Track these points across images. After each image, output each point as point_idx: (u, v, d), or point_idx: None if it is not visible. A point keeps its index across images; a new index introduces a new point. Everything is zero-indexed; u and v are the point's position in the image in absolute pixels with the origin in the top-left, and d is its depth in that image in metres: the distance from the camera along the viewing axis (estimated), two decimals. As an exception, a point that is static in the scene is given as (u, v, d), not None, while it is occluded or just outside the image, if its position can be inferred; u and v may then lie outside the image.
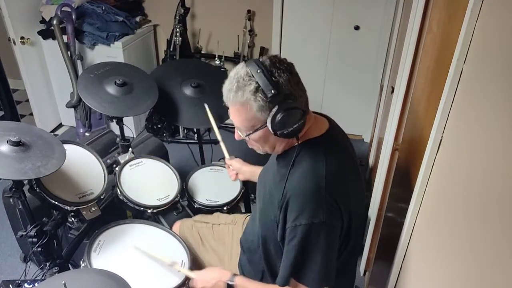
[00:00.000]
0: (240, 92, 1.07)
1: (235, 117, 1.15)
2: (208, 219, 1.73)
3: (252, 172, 1.66)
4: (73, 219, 1.65)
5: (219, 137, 1.80)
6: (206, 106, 1.93)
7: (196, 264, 1.57)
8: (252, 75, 1.06)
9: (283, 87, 1.06)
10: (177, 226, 1.73)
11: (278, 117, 1.06)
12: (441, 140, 1.13)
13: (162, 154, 2.45)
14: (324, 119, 1.26)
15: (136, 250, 1.49)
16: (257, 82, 1.05)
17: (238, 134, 1.22)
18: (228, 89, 1.11)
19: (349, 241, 1.22)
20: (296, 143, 1.16)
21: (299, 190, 1.11)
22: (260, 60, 1.09)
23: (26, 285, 1.59)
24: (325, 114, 1.29)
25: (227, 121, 2.65)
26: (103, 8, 3.16)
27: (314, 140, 1.17)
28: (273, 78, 1.05)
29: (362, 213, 1.35)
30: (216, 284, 1.32)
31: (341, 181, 1.16)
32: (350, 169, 1.22)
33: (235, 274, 1.32)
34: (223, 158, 1.82)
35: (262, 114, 1.08)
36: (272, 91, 1.04)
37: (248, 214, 1.73)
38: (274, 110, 1.06)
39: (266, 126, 1.09)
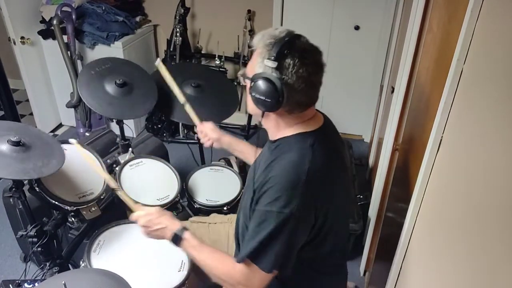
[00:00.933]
0: (261, 37, 1.12)
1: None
2: (204, 220, 1.73)
3: (231, 143, 1.63)
4: (73, 219, 1.65)
5: (181, 100, 1.71)
6: (158, 61, 1.74)
7: (195, 264, 1.57)
8: (280, 37, 1.09)
9: (284, 64, 1.07)
10: None
11: (259, 79, 1.09)
12: (441, 140, 1.13)
13: (162, 154, 2.45)
14: (321, 116, 1.26)
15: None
16: (275, 42, 1.08)
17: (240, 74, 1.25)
18: (259, 33, 1.15)
19: (318, 239, 1.20)
20: (288, 134, 1.17)
21: (279, 178, 1.11)
22: (301, 39, 1.11)
23: (26, 285, 1.59)
24: (322, 112, 1.29)
25: (225, 121, 2.66)
26: (103, 8, 3.16)
27: (306, 134, 1.18)
28: (285, 51, 1.07)
29: (347, 210, 1.35)
30: (162, 230, 1.25)
31: (324, 179, 1.15)
32: (336, 169, 1.22)
33: (185, 228, 1.25)
34: (223, 158, 1.81)
35: (257, 68, 1.12)
36: (272, 58, 1.06)
37: None
38: (260, 70, 1.10)
39: (250, 79, 1.13)
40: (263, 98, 1.10)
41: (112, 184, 1.44)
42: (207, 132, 1.66)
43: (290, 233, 1.11)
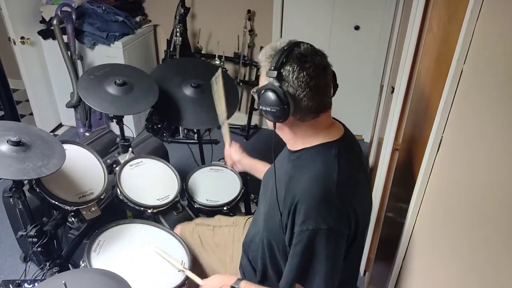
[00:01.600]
0: (264, 51, 1.14)
1: None
2: (209, 222, 1.73)
3: (252, 165, 1.65)
4: (73, 219, 1.65)
5: (222, 118, 1.73)
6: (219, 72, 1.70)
7: (196, 265, 1.57)
8: (280, 48, 1.11)
9: (284, 72, 1.08)
10: (178, 229, 1.72)
11: (263, 91, 1.10)
12: (441, 140, 1.13)
13: (162, 154, 2.45)
14: (340, 125, 1.25)
15: (150, 249, 1.50)
16: (275, 53, 1.10)
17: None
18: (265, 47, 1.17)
19: (352, 247, 1.21)
20: (309, 145, 1.16)
21: (309, 194, 1.09)
22: (301, 45, 1.11)
23: (26, 285, 1.59)
24: (340, 120, 1.28)
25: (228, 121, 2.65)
26: (103, 8, 3.16)
27: (328, 144, 1.16)
28: (284, 60, 1.07)
29: (368, 220, 1.35)
30: None
31: (352, 188, 1.15)
32: (360, 177, 1.22)
33: (239, 279, 1.30)
34: (223, 158, 1.81)
35: (263, 81, 1.13)
36: (272, 68, 1.08)
37: (250, 216, 1.72)
38: (265, 83, 1.11)
39: (256, 93, 1.14)
40: (269, 109, 1.10)
41: (179, 267, 1.46)
42: (231, 153, 1.70)
43: (333, 250, 1.10)
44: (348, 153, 1.19)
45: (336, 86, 1.19)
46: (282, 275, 1.26)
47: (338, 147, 1.16)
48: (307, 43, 1.13)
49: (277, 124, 1.16)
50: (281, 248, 1.23)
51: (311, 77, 1.08)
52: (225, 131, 1.73)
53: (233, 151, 1.71)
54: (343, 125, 1.27)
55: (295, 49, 1.09)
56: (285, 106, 1.08)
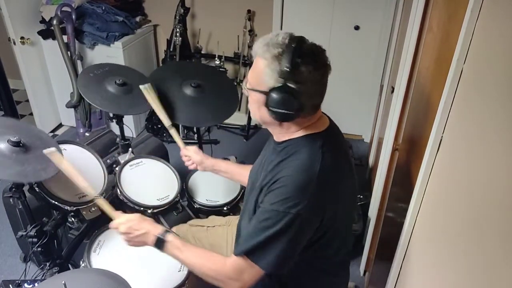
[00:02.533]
0: (266, 48, 1.08)
1: (252, 68, 1.15)
2: (203, 223, 1.73)
3: (214, 165, 1.64)
4: (73, 219, 1.66)
5: (166, 123, 1.72)
6: (141, 87, 1.76)
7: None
8: (285, 44, 1.06)
9: (300, 73, 1.06)
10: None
11: (277, 92, 1.07)
12: (441, 140, 1.13)
13: (162, 154, 2.45)
14: (326, 118, 1.26)
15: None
16: (283, 51, 1.05)
17: (244, 86, 1.21)
18: (260, 41, 1.11)
19: (325, 240, 1.21)
20: (296, 136, 1.17)
21: (290, 179, 1.10)
22: (306, 42, 1.09)
23: (26, 285, 1.59)
24: (325, 113, 1.29)
25: (225, 121, 2.66)
26: (103, 8, 3.16)
27: (314, 135, 1.17)
28: (298, 59, 1.05)
29: (352, 214, 1.35)
30: (144, 235, 1.22)
31: (333, 181, 1.16)
32: (344, 171, 1.22)
33: (167, 231, 1.24)
34: (223, 158, 1.81)
35: (268, 80, 1.08)
36: (287, 68, 1.04)
37: None
38: (278, 84, 1.07)
39: (264, 93, 1.10)
40: (282, 110, 1.08)
41: (91, 192, 1.38)
42: (191, 155, 1.66)
43: (294, 234, 1.10)
44: (333, 144, 1.20)
45: None
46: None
47: (323, 139, 1.17)
48: (307, 39, 1.12)
49: (253, 100, 1.15)
50: None
51: (322, 76, 1.09)
52: (174, 135, 1.71)
53: (192, 153, 1.66)
54: (329, 117, 1.28)
55: (304, 47, 1.08)
56: (299, 107, 1.07)
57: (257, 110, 1.18)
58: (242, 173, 1.56)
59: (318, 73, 1.08)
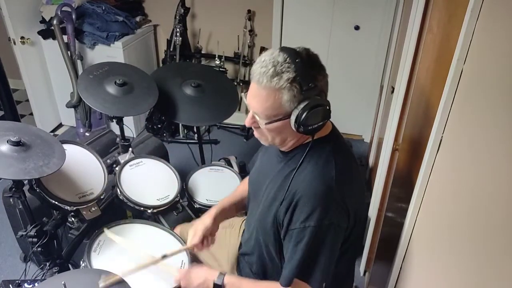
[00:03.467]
0: (276, 78, 1.02)
1: (258, 102, 1.07)
2: None
3: (221, 211, 1.47)
4: (73, 219, 1.65)
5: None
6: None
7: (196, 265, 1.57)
8: (291, 62, 1.02)
9: (319, 81, 1.06)
10: (177, 230, 1.72)
11: (306, 111, 1.03)
12: (441, 140, 1.13)
13: (162, 154, 2.45)
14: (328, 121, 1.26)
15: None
16: (296, 71, 1.01)
17: (252, 120, 1.14)
18: (262, 72, 1.03)
19: (348, 241, 1.22)
20: (305, 141, 1.16)
21: (309, 191, 1.09)
22: (297, 49, 1.06)
23: (26, 285, 1.59)
24: None
25: (225, 121, 2.66)
26: (103, 8, 3.16)
27: (322, 139, 1.16)
28: (312, 70, 1.04)
29: (364, 213, 1.35)
30: (204, 284, 1.25)
31: (349, 181, 1.16)
32: (355, 169, 1.23)
33: (221, 273, 1.25)
34: (223, 158, 1.81)
35: (290, 105, 1.04)
36: (310, 84, 1.02)
37: (245, 217, 1.72)
38: (304, 103, 1.03)
39: (289, 118, 1.06)
40: (314, 125, 1.06)
41: (154, 260, 1.36)
42: (199, 237, 1.40)
43: (332, 243, 1.12)
44: (340, 146, 1.20)
45: None
46: (280, 271, 1.27)
47: (331, 142, 1.17)
48: (299, 48, 1.10)
49: (274, 129, 1.11)
50: (276, 248, 1.23)
51: (327, 80, 1.10)
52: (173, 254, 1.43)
53: (197, 238, 1.40)
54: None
55: (311, 56, 1.07)
56: (324, 115, 1.07)
57: (278, 136, 1.14)
58: (245, 188, 1.51)
59: (326, 74, 1.09)
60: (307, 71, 1.03)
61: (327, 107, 1.07)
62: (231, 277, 1.25)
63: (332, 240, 1.11)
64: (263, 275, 1.36)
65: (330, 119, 1.27)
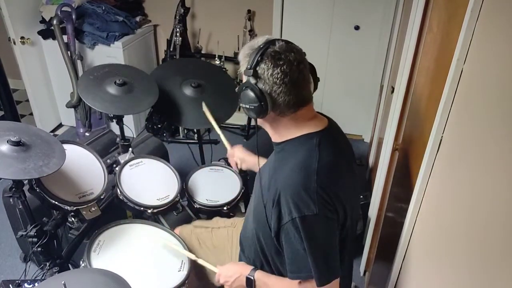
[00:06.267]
0: (242, 50, 1.19)
1: None
2: (207, 224, 1.73)
3: (256, 162, 1.65)
4: (73, 219, 1.65)
5: (218, 130, 1.83)
6: (203, 105, 1.93)
7: (196, 265, 1.57)
8: (255, 46, 1.14)
9: (260, 72, 1.12)
10: (177, 232, 1.72)
11: (243, 88, 1.15)
12: (441, 140, 1.13)
13: (162, 154, 2.45)
14: (324, 118, 1.27)
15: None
16: (252, 52, 1.14)
17: None
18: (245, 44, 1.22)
19: (341, 235, 1.22)
20: (292, 137, 1.18)
21: (290, 183, 1.12)
22: (276, 43, 1.14)
23: (26, 285, 1.59)
24: (328, 116, 1.30)
25: (226, 121, 2.66)
26: (103, 8, 3.16)
27: (310, 135, 1.19)
28: (259, 58, 1.11)
29: (356, 213, 1.35)
30: (238, 278, 1.34)
31: (333, 177, 1.16)
32: (344, 169, 1.23)
33: (254, 268, 1.33)
34: (223, 158, 1.82)
35: (243, 78, 1.18)
36: (249, 67, 1.12)
37: None
38: (244, 81, 1.16)
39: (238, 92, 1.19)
40: (247, 106, 1.15)
41: (192, 256, 1.52)
42: (235, 153, 1.72)
43: (324, 233, 1.13)
44: (331, 143, 1.21)
45: (316, 80, 1.22)
46: (275, 267, 1.29)
47: (320, 137, 1.18)
48: (283, 40, 1.16)
49: (259, 119, 1.20)
50: (268, 239, 1.24)
51: (285, 73, 1.11)
52: (223, 139, 1.80)
53: (236, 151, 1.73)
54: (329, 119, 1.29)
55: (270, 47, 1.12)
56: (262, 103, 1.12)
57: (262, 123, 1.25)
58: None
59: (279, 69, 1.10)
60: (256, 55, 1.12)
61: (257, 97, 1.12)
62: (260, 273, 1.33)
63: (322, 230, 1.12)
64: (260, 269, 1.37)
65: (329, 118, 1.28)
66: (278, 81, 1.11)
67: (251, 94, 1.12)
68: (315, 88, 1.22)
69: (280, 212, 1.14)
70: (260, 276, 1.31)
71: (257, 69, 1.11)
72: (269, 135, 1.27)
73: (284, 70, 1.10)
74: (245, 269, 1.34)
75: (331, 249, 1.15)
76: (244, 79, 1.16)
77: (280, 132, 1.22)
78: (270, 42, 1.13)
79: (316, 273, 1.12)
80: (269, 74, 1.11)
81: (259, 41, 1.16)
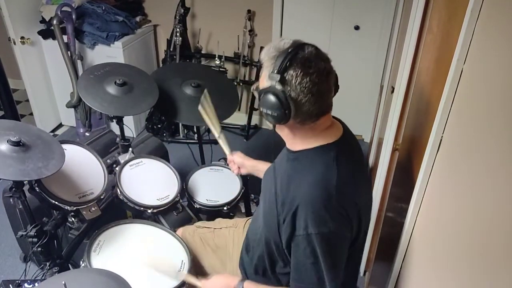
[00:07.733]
0: (267, 50, 1.11)
1: None
2: (210, 225, 1.73)
3: (254, 166, 1.64)
4: (73, 219, 1.65)
5: (216, 133, 1.71)
6: (200, 107, 1.72)
7: (197, 265, 1.57)
8: (283, 49, 1.08)
9: (288, 78, 1.06)
10: (179, 232, 1.72)
11: (265, 93, 1.08)
12: (441, 140, 1.13)
13: (162, 154, 2.45)
14: (339, 124, 1.24)
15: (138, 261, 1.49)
16: (279, 55, 1.07)
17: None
18: (267, 46, 1.13)
19: (354, 247, 1.22)
20: (308, 147, 1.16)
21: (309, 199, 1.10)
22: (305, 48, 1.09)
23: (26, 285, 1.59)
24: (338, 118, 1.27)
25: (225, 121, 2.66)
26: (103, 8, 3.16)
27: (327, 147, 1.16)
28: (287, 63, 1.05)
29: (369, 220, 1.35)
30: None
31: (351, 190, 1.15)
32: (360, 178, 1.22)
33: (241, 280, 1.30)
34: (223, 158, 1.81)
35: (264, 82, 1.11)
36: (275, 71, 1.06)
37: (249, 217, 1.72)
38: (267, 85, 1.09)
39: (259, 94, 1.13)
40: (270, 112, 1.09)
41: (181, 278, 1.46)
42: (235, 159, 1.68)
43: (336, 252, 1.11)
44: (347, 153, 1.19)
45: (337, 88, 1.18)
46: (280, 273, 1.28)
47: (337, 149, 1.16)
48: (312, 46, 1.10)
49: (277, 125, 1.16)
50: (280, 247, 1.23)
51: (314, 83, 1.06)
52: (222, 143, 1.71)
53: (235, 157, 1.69)
54: (342, 123, 1.27)
55: (299, 52, 1.06)
56: (286, 111, 1.07)
57: (279, 130, 1.21)
58: None
59: (308, 79, 1.05)
60: (284, 60, 1.05)
61: (282, 104, 1.06)
62: (249, 283, 1.29)
63: (334, 248, 1.10)
64: (263, 272, 1.36)
65: (340, 121, 1.27)
66: (306, 90, 1.06)
67: (275, 100, 1.06)
68: (333, 95, 1.18)
69: (295, 224, 1.12)
70: (249, 286, 1.28)
71: (285, 74, 1.05)
72: (270, 136, 1.27)
73: (313, 79, 1.05)
74: (232, 281, 1.31)
75: (339, 266, 1.14)
76: (266, 82, 1.09)
77: (297, 141, 1.18)
78: (299, 47, 1.08)
79: (319, 286, 1.12)
80: (297, 82, 1.05)
81: (286, 43, 1.09)
